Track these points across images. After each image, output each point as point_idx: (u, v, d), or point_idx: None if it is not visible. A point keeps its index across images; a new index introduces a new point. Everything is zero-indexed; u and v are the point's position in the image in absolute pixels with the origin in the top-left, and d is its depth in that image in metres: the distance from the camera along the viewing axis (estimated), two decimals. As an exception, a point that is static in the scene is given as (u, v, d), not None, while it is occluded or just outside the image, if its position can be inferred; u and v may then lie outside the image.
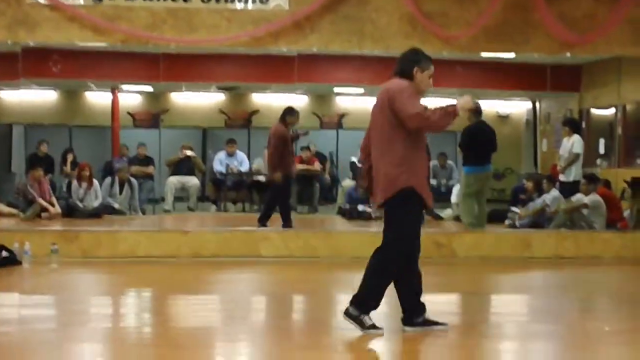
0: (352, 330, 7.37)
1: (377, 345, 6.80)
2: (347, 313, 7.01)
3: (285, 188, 13.43)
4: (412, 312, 7.16)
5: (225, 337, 7.09)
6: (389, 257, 7.13)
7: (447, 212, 16.96)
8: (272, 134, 13.36)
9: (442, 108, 6.96)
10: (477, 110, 13.43)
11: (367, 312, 6.99)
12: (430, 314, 7.16)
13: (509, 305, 9.29)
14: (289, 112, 13.48)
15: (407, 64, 7.27)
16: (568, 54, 14.14)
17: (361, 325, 6.94)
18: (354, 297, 7.08)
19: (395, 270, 7.11)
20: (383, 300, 7.01)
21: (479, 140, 13.23)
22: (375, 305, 7.03)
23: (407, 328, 7.09)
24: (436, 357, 6.43)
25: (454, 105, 6.95)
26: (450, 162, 19.32)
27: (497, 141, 13.61)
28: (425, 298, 8.83)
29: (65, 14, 12.52)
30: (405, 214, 7.10)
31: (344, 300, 8.75)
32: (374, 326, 6.94)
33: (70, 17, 12.55)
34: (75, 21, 12.59)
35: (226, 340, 6.92)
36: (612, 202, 14.22)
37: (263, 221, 13.34)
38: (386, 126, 7.10)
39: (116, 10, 12.59)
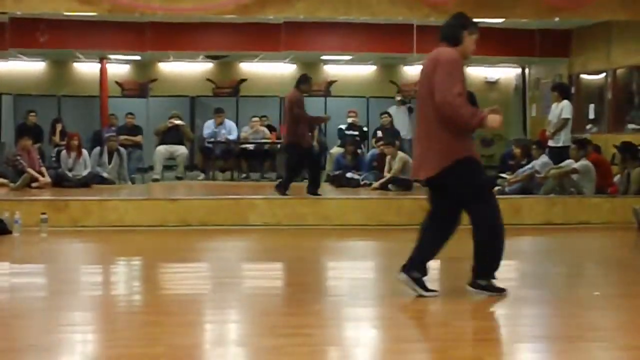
0: (339, 296, 7.41)
1: (367, 311, 6.81)
2: (475, 285, 7.08)
3: (304, 156, 13.46)
4: (416, 265, 7.09)
5: (214, 304, 7.10)
6: (489, 225, 7.11)
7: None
8: (289, 101, 13.37)
9: (475, 110, 6.98)
10: None
11: (493, 277, 7.07)
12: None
13: (498, 271, 9.29)
14: (304, 79, 13.52)
15: (456, 29, 7.25)
16: (557, 19, 14.11)
17: (492, 290, 7.05)
18: (479, 268, 7.11)
19: (500, 228, 7.15)
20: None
21: None
22: (498, 266, 7.11)
23: (401, 275, 7.03)
24: (427, 322, 6.45)
25: (484, 115, 6.95)
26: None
27: (483, 107, 13.59)
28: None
29: (51, -18, 12.44)
30: (472, 179, 7.03)
31: (332, 267, 8.81)
32: (500, 289, 7.10)
33: (56, -15, 12.46)
34: (61, -10, 12.51)
35: (215, 307, 6.94)
36: (604, 167, 14.26)
37: (281, 189, 13.30)
38: (433, 95, 6.91)
39: (102, -21, 12.51)
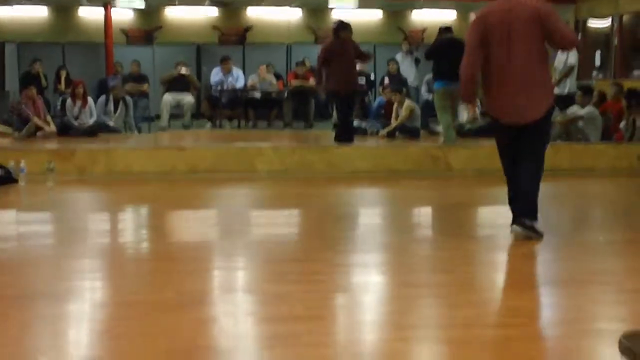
0: (347, 243, 7.45)
1: (375, 257, 6.85)
2: (525, 226, 7.18)
3: (339, 102, 13.58)
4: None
5: (222, 251, 7.13)
6: (542, 163, 7.45)
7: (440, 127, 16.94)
8: (328, 51, 13.31)
9: None
10: (446, 28, 13.63)
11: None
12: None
13: (503, 216, 9.33)
14: (342, 26, 13.35)
15: None
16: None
17: (537, 232, 7.20)
18: (525, 209, 7.26)
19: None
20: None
21: (449, 55, 13.07)
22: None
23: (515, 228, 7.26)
24: (434, 267, 6.48)
25: None
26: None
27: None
28: (420, 211, 8.89)
29: None
30: (550, 126, 7.73)
31: (340, 214, 8.83)
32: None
33: None
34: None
35: (222, 254, 6.97)
36: (620, 114, 14.25)
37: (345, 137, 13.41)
38: (539, 42, 7.18)
39: None
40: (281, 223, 8.79)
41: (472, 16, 7.52)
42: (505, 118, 7.28)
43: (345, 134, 13.33)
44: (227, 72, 18.44)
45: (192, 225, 8.59)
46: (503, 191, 10.50)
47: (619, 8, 18.20)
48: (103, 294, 5.68)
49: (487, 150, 12.68)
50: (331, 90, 13.34)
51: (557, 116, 13.79)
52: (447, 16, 21.24)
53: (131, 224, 8.90)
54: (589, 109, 13.65)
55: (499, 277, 6.34)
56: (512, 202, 7.42)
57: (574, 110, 13.71)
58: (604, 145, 13.23)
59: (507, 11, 7.23)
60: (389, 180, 11.77)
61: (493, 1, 7.39)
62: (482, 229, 8.54)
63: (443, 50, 13.25)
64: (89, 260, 6.66)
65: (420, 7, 21.21)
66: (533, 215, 7.25)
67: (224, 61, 18.58)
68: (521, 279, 6.17)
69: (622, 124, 14.02)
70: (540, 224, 7.21)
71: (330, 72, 13.16)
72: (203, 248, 7.26)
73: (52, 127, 15.25)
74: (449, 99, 13.25)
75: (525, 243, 7.17)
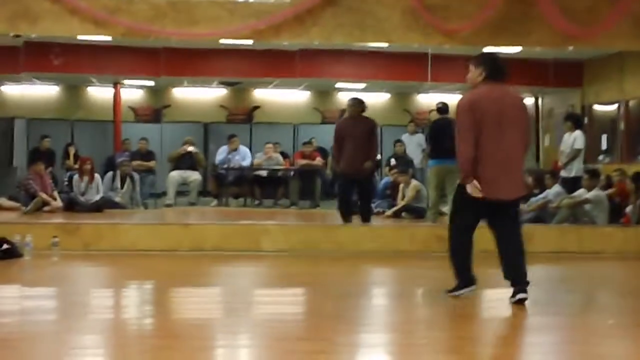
0: (353, 322, 7.38)
1: (380, 338, 6.77)
2: (523, 300, 7.93)
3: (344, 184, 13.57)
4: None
5: (226, 329, 7.06)
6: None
7: (448, 207, 16.94)
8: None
9: None
10: (442, 108, 13.84)
11: None
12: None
13: (507, 298, 9.25)
14: (349, 102, 13.56)
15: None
16: (570, 48, 14.10)
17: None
18: (520, 281, 8.06)
19: None
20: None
21: (442, 135, 13.22)
22: None
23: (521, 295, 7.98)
24: (440, 348, 6.39)
25: None
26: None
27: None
28: (429, 291, 8.83)
29: (66, 6, 12.45)
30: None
31: (345, 293, 8.76)
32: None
33: (72, 10, 12.48)
34: (76, 14, 12.52)
35: (227, 332, 6.90)
36: (627, 197, 14.25)
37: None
38: (523, 131, 8.09)
39: (117, 3, 12.53)
40: (286, 302, 8.71)
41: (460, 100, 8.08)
42: (490, 194, 7.90)
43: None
44: (234, 149, 18.50)
45: (196, 302, 8.52)
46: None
47: (624, 94, 18.31)
48: (105, 371, 5.61)
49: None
50: (338, 171, 13.42)
51: (564, 199, 13.78)
52: (452, 99, 21.31)
53: (135, 300, 8.83)
54: (595, 192, 13.64)
55: (506, 359, 6.24)
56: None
57: (581, 193, 13.69)
58: (612, 228, 13.18)
59: (499, 99, 7.92)
60: (395, 260, 11.70)
61: (480, 87, 7.99)
62: (488, 311, 8.45)
63: (439, 131, 13.48)
64: (91, 335, 6.59)
65: (426, 91, 21.35)
66: (524, 288, 8.04)
67: (231, 138, 18.66)
68: (529, 361, 6.09)
69: (629, 208, 13.99)
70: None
71: (340, 152, 13.21)
72: (207, 325, 7.18)
73: (59, 202, 15.27)
74: (442, 177, 13.36)
75: (531, 324, 7.09)
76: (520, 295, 7.94)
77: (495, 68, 8.10)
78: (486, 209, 8.06)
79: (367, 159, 13.00)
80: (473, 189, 7.87)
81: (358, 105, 13.33)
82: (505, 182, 7.94)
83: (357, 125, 13.17)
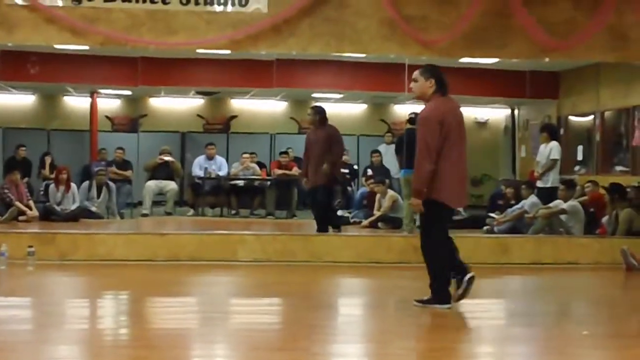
0: (329, 333, 7.38)
1: (356, 348, 6.77)
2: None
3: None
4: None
5: (202, 338, 7.04)
6: None
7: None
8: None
9: None
10: (414, 119, 13.91)
11: None
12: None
13: (487, 309, 9.28)
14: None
15: None
16: (547, 59, 14.16)
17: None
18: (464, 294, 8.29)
19: None
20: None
21: (415, 145, 13.30)
22: None
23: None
24: (417, 356, 6.39)
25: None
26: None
27: (475, 147, 13.76)
28: (404, 301, 8.84)
29: (43, 15, 12.42)
30: None
31: (321, 303, 8.75)
32: None
33: (49, 18, 12.45)
34: (53, 23, 12.49)
35: (203, 342, 6.87)
36: (602, 208, 14.33)
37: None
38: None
39: (95, 12, 12.50)
40: (262, 311, 8.70)
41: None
42: (457, 204, 8.50)
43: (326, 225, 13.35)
44: (211, 157, 18.48)
45: (172, 312, 8.49)
46: (485, 283, 10.47)
47: (600, 105, 18.42)
48: (80, 381, 5.58)
49: (470, 242, 12.70)
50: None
51: (541, 209, 13.83)
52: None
53: (111, 310, 8.79)
54: (572, 203, 13.70)
55: (483, 370, 6.26)
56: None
57: (557, 203, 13.75)
58: (587, 239, 13.24)
59: (455, 110, 8.25)
60: (371, 270, 11.71)
61: (435, 99, 8.17)
62: (464, 321, 8.46)
63: (411, 140, 13.53)
64: (67, 346, 6.56)
65: (403, 102, 21.39)
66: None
67: (209, 146, 18.64)
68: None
69: (605, 218, 14.05)
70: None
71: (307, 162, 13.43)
72: (183, 335, 7.16)
73: (34, 212, 15.18)
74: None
75: (507, 337, 7.11)
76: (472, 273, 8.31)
77: (443, 80, 8.23)
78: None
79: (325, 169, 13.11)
80: (418, 206, 8.13)
81: (314, 114, 13.49)
82: (464, 192, 8.49)
83: (318, 134, 13.35)
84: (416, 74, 8.29)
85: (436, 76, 8.22)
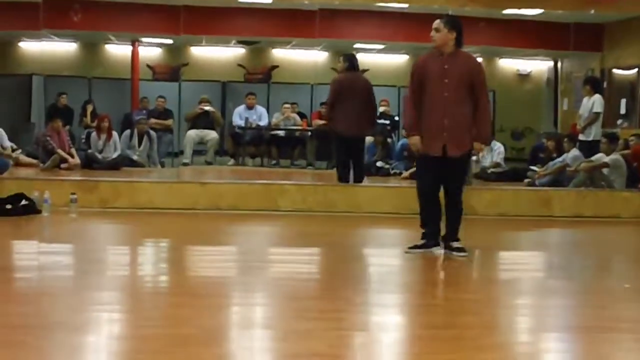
0: (368, 282, 7.41)
1: (395, 298, 6.80)
2: (454, 248, 8.35)
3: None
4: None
5: (242, 286, 7.09)
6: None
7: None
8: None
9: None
10: None
11: None
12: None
13: (526, 261, 9.27)
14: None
15: None
16: (592, 11, 13.97)
17: (464, 250, 8.34)
18: (453, 234, 8.40)
19: None
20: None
21: None
22: None
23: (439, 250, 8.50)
24: (455, 310, 6.39)
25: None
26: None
27: (517, 99, 13.64)
28: (444, 253, 8.83)
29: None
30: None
31: (361, 253, 8.78)
32: None
33: (92, -34, 12.46)
34: (96, -29, 12.50)
35: (243, 290, 6.92)
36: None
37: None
38: None
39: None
40: (302, 261, 8.74)
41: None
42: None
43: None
44: (252, 107, 18.48)
45: (212, 260, 8.56)
46: (524, 236, 10.46)
47: (644, 58, 18.19)
48: (121, 327, 5.64)
49: (511, 195, 12.66)
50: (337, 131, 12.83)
51: (582, 163, 13.73)
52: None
53: (151, 257, 8.87)
54: (614, 156, 13.57)
55: (523, 321, 6.25)
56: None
57: (599, 157, 13.63)
58: (629, 193, 13.13)
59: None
60: (411, 221, 11.67)
61: (456, 52, 8.41)
62: (502, 273, 8.46)
63: None
64: (108, 292, 6.63)
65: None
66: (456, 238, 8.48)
67: (249, 96, 18.64)
68: (545, 323, 6.09)
69: (647, 173, 13.93)
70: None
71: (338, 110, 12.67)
72: (223, 284, 7.22)
73: (76, 160, 15.28)
74: None
75: (546, 289, 7.10)
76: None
77: (462, 35, 8.33)
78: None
79: (367, 119, 12.73)
80: (414, 145, 8.46)
81: (343, 61, 13.04)
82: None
83: (354, 81, 12.78)
84: (439, 23, 8.30)
85: (458, 30, 8.27)
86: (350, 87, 12.56)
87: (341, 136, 12.63)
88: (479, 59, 21.08)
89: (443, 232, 8.50)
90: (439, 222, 8.50)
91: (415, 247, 8.50)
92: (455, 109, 8.23)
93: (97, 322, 5.65)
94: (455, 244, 8.40)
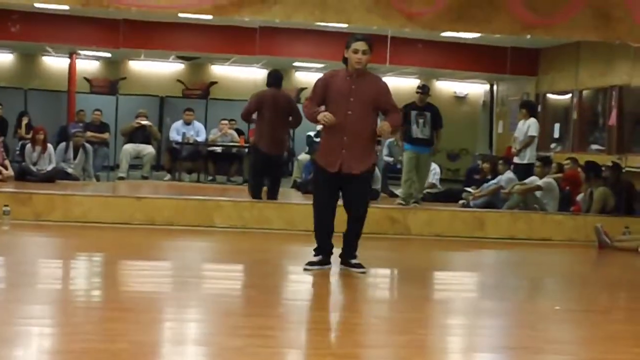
0: (302, 300, 7.41)
1: (328, 316, 6.81)
2: (353, 264, 8.52)
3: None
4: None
5: (176, 302, 7.05)
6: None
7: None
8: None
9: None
10: (424, 89, 14.03)
11: None
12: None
13: (459, 281, 9.34)
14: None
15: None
16: (528, 36, 14.17)
17: (362, 267, 8.50)
18: (351, 249, 8.58)
19: None
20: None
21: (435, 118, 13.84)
22: None
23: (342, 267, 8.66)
24: (387, 329, 6.42)
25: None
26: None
27: (452, 121, 13.84)
28: (378, 272, 8.89)
29: (25, -27, 12.32)
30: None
31: (295, 270, 8.78)
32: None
33: (30, -24, 12.34)
34: (35, -19, 12.38)
35: (177, 306, 6.88)
36: (578, 186, 14.42)
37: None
38: None
39: (78, -28, 12.38)
40: (236, 277, 8.73)
41: None
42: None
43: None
44: (189, 123, 18.44)
45: (146, 275, 8.49)
46: (460, 256, 10.55)
47: (579, 84, 18.49)
48: (52, 341, 5.57)
49: (446, 215, 12.76)
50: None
51: (516, 185, 13.90)
52: (409, 83, 21.53)
53: (84, 271, 8.78)
54: (547, 180, 13.77)
55: (454, 341, 6.30)
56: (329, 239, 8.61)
57: (533, 180, 13.82)
58: (562, 216, 13.31)
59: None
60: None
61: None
62: (438, 292, 8.52)
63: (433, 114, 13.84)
64: (39, 305, 6.54)
65: (384, 74, 21.37)
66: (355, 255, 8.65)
67: (187, 112, 18.60)
68: (476, 343, 6.15)
69: (580, 196, 14.14)
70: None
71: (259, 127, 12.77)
72: (156, 299, 7.17)
73: (10, 172, 15.12)
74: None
75: (479, 310, 7.17)
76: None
77: None
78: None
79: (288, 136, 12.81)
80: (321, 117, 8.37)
81: (269, 76, 13.02)
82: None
83: (277, 98, 12.75)
84: (366, 45, 8.45)
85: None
86: (273, 103, 12.61)
87: (260, 153, 12.68)
88: (417, 81, 21.32)
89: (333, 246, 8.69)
90: (331, 237, 8.64)
91: (312, 263, 8.54)
92: (357, 127, 8.35)
93: (27, 336, 5.57)
94: (354, 261, 8.56)
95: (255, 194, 12.81)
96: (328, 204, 8.52)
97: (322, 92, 8.46)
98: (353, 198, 8.51)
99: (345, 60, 8.53)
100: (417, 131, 13.87)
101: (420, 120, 13.86)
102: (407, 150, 13.98)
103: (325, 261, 8.56)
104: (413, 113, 13.89)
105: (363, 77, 8.47)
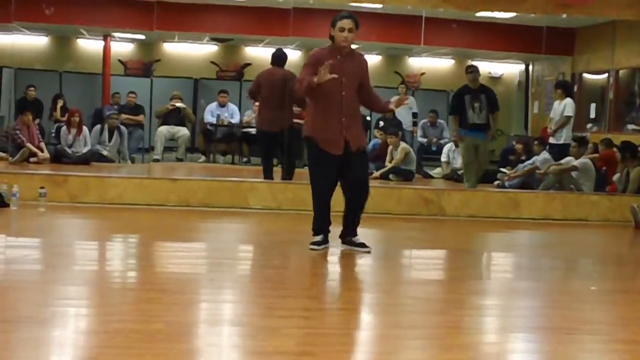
0: (337, 281, 7.42)
1: (364, 297, 6.81)
2: (357, 243, 8.52)
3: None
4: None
5: (210, 283, 7.07)
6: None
7: (436, 171, 17.00)
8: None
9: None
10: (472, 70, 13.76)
11: None
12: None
13: (494, 262, 9.31)
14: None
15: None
16: (564, 15, 14.04)
17: (367, 246, 8.53)
18: (355, 225, 8.58)
19: None
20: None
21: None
22: None
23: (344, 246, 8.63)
24: (424, 309, 6.41)
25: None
26: (441, 120, 19.18)
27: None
28: (412, 253, 8.88)
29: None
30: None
31: (331, 252, 8.78)
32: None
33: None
34: (69, -36, 12.42)
35: (212, 287, 6.91)
36: (614, 166, 14.29)
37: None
38: None
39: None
40: (270, 258, 8.73)
41: None
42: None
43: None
44: (223, 105, 18.45)
45: (181, 256, 8.52)
46: (494, 237, 10.50)
47: (615, 63, 18.30)
48: (88, 321, 5.61)
49: (481, 196, 12.71)
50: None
51: (552, 166, 13.81)
52: (444, 63, 21.42)
53: (120, 252, 8.83)
54: (583, 160, 13.67)
55: (489, 321, 6.28)
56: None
57: (568, 160, 13.72)
58: (597, 196, 13.21)
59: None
60: (381, 221, 11.71)
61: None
62: (472, 273, 8.49)
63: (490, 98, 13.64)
64: (75, 287, 6.59)
65: (418, 55, 21.29)
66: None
67: (221, 93, 18.61)
68: (511, 323, 6.13)
69: (616, 176, 14.03)
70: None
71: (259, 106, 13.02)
72: (191, 280, 7.20)
73: (46, 154, 15.22)
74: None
75: (515, 289, 7.14)
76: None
77: None
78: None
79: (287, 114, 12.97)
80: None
81: (272, 56, 13.26)
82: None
83: (273, 77, 12.94)
84: (352, 23, 8.60)
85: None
86: (268, 82, 12.78)
87: (260, 132, 13.05)
88: (451, 61, 21.18)
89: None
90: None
91: (318, 243, 8.55)
92: (351, 107, 8.45)
93: (64, 317, 5.61)
94: (357, 239, 8.58)
95: (265, 174, 12.93)
96: (332, 185, 8.56)
97: (316, 70, 8.31)
98: (357, 171, 8.48)
99: (332, 38, 8.55)
100: (473, 116, 13.39)
101: (476, 105, 13.37)
102: (465, 137, 13.60)
103: (326, 240, 8.58)
104: (467, 98, 13.43)
105: (351, 56, 8.58)
